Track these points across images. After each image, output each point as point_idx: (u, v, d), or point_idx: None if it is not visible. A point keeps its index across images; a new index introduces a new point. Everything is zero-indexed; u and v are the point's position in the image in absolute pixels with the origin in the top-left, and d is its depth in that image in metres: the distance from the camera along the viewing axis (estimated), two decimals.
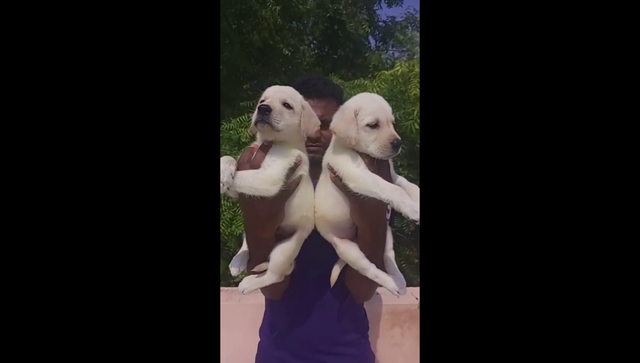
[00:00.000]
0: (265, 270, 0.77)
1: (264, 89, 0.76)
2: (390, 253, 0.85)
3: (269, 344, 0.99)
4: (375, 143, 0.71)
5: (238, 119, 2.44)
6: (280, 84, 0.78)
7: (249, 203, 0.71)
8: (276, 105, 0.71)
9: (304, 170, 0.74)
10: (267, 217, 0.73)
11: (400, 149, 0.72)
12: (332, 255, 0.89)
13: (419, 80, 2.14)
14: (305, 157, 0.75)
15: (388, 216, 0.92)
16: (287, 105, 0.71)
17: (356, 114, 0.73)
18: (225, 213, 2.18)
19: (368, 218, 0.76)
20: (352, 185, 0.70)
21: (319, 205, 0.77)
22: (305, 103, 0.75)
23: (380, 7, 5.64)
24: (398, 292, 0.78)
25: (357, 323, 1.00)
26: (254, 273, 0.79)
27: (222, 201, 2.18)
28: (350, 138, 0.71)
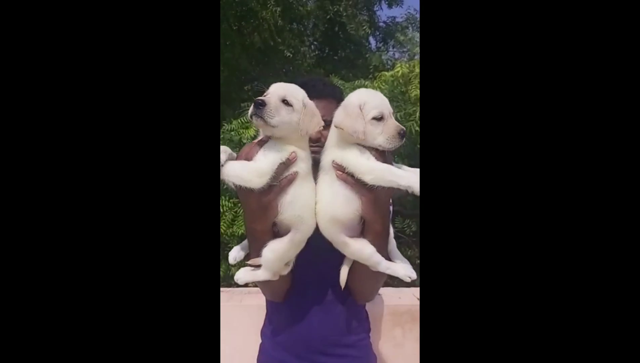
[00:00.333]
0: (260, 265, 0.78)
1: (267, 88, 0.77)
2: (392, 242, 0.86)
3: (271, 346, 0.99)
4: (383, 135, 0.73)
5: (239, 120, 2.45)
6: None
7: (241, 193, 0.73)
8: (272, 100, 0.71)
9: (300, 168, 0.73)
10: (257, 210, 0.74)
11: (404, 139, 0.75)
12: (333, 257, 0.88)
13: (419, 81, 2.14)
14: (303, 154, 0.74)
15: (390, 216, 0.93)
16: (286, 102, 0.72)
17: (361, 109, 0.74)
18: (226, 213, 2.18)
19: (380, 210, 0.77)
20: (368, 178, 0.71)
21: (327, 206, 0.75)
22: (309, 102, 0.75)
23: (381, 8, 5.65)
24: (410, 277, 0.79)
25: (359, 325, 1.00)
26: (250, 265, 0.80)
27: (223, 202, 2.18)
28: (358, 133, 0.72)
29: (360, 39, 5.34)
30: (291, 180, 0.72)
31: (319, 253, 0.88)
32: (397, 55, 6.14)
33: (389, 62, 5.41)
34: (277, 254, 0.75)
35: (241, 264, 0.86)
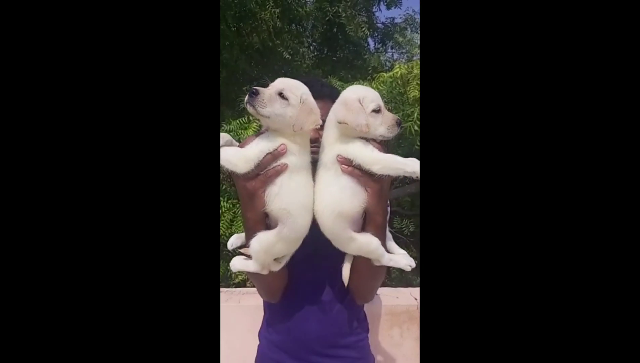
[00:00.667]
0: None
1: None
2: (389, 234, 0.87)
3: (268, 347, 0.98)
4: (383, 125, 0.77)
5: (238, 121, 2.45)
6: None
7: (234, 180, 0.76)
8: (268, 91, 0.72)
9: (290, 161, 0.73)
10: (246, 197, 0.75)
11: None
12: (330, 257, 0.88)
13: (418, 82, 2.15)
14: (295, 148, 0.73)
15: (388, 217, 0.93)
16: (282, 95, 0.72)
17: (361, 103, 0.76)
18: (225, 214, 2.18)
19: (382, 201, 0.78)
20: (376, 168, 0.74)
21: (334, 202, 0.75)
22: (310, 100, 0.75)
23: (380, 9, 5.66)
24: (410, 266, 0.82)
25: (358, 325, 0.99)
26: (242, 254, 0.81)
27: (222, 203, 2.18)
28: (362, 126, 0.74)
29: (359, 40, 5.35)
30: (279, 171, 0.72)
31: (316, 253, 0.88)
32: (395, 56, 6.15)
33: (387, 63, 5.42)
34: (262, 245, 0.75)
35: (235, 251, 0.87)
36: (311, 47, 5.68)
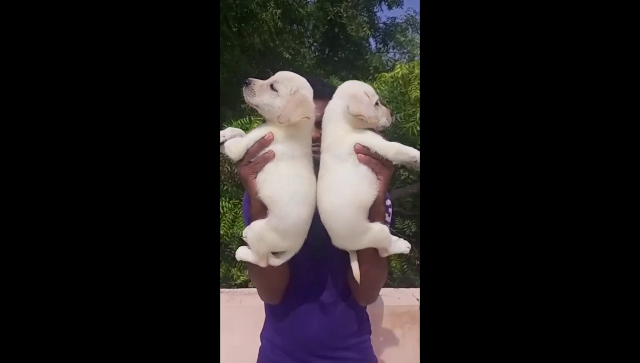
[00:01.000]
0: None
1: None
2: None
3: (270, 349, 0.98)
4: (383, 117, 0.81)
5: (239, 121, 2.45)
6: None
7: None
8: (259, 82, 0.77)
9: (277, 149, 0.74)
10: (244, 183, 0.78)
11: None
12: (332, 258, 0.88)
13: (419, 82, 2.15)
14: (282, 137, 0.74)
15: (389, 218, 0.92)
16: (272, 87, 0.75)
17: (368, 96, 0.80)
18: (226, 214, 2.18)
19: (386, 188, 0.80)
20: (392, 153, 0.77)
21: (355, 193, 0.75)
22: (300, 92, 0.75)
23: (381, 9, 5.67)
24: (408, 247, 0.84)
25: (360, 327, 0.98)
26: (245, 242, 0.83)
27: (223, 203, 2.19)
28: (372, 117, 0.77)
29: (360, 40, 5.36)
30: (266, 159, 0.74)
31: (317, 255, 0.88)
32: (397, 56, 6.16)
33: (388, 63, 5.43)
34: (254, 234, 0.76)
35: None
36: (312, 48, 5.69)
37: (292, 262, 0.84)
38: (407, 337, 1.45)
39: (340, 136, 0.78)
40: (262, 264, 0.78)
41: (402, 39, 5.90)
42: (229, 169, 2.24)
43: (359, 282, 0.84)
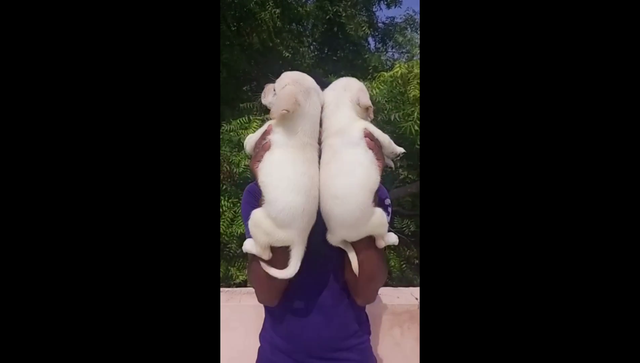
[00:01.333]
0: None
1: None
2: None
3: (270, 349, 0.98)
4: (369, 109, 0.84)
5: (238, 121, 2.45)
6: None
7: None
8: (269, 85, 0.83)
9: (272, 139, 0.77)
10: (252, 172, 0.81)
11: None
12: (331, 259, 0.88)
13: (418, 81, 2.15)
14: (279, 128, 0.78)
15: (388, 217, 0.93)
16: (274, 89, 0.82)
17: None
18: (226, 213, 2.18)
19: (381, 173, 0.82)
20: (386, 144, 0.81)
21: (368, 176, 0.76)
22: (287, 89, 0.78)
23: (380, 9, 5.67)
24: (397, 240, 0.86)
25: (359, 328, 0.98)
26: None
27: (223, 202, 2.19)
28: (373, 110, 0.83)
29: (359, 39, 5.35)
30: (264, 148, 0.77)
31: (317, 255, 0.88)
32: (396, 55, 6.16)
33: (388, 62, 5.43)
34: (253, 221, 0.77)
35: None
36: (311, 47, 5.69)
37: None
38: (406, 336, 1.45)
39: (350, 123, 0.80)
40: (265, 256, 0.78)
41: (401, 38, 5.90)
42: (228, 168, 2.24)
43: (357, 274, 0.83)
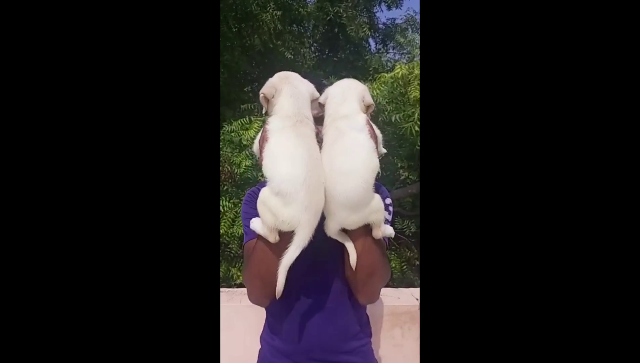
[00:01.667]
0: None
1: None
2: None
3: (270, 351, 0.97)
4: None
5: (239, 122, 2.45)
6: None
7: None
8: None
9: (269, 129, 0.81)
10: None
11: None
12: (332, 261, 0.88)
13: (419, 82, 2.15)
14: (274, 117, 0.82)
15: (389, 217, 0.92)
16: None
17: None
18: (227, 213, 2.18)
19: None
20: (380, 140, 0.86)
21: (372, 159, 0.80)
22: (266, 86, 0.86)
23: (381, 10, 5.68)
24: (390, 235, 0.87)
25: (360, 330, 0.97)
26: None
27: (224, 203, 2.19)
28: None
29: (360, 40, 5.36)
30: (264, 140, 0.80)
31: (317, 257, 0.88)
32: (396, 56, 6.16)
33: (388, 63, 5.43)
34: (260, 199, 0.78)
35: None
36: (312, 48, 5.70)
37: (292, 265, 0.84)
38: (407, 337, 1.45)
39: (355, 113, 0.85)
40: (271, 238, 0.78)
41: (402, 39, 5.90)
42: (229, 169, 2.24)
43: (354, 266, 0.82)
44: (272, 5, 4.22)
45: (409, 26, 6.04)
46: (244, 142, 2.34)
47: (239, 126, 2.43)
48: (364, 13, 5.37)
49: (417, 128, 2.03)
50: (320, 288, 0.92)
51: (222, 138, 2.40)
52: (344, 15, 4.87)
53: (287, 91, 0.83)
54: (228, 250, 2.22)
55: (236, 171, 2.25)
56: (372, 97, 0.90)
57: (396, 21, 5.99)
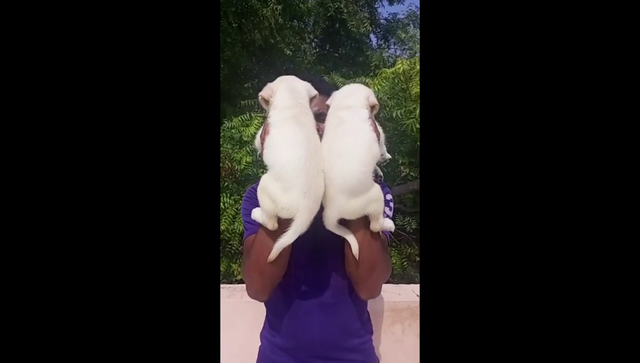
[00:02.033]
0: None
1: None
2: None
3: (270, 348, 0.97)
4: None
5: (240, 118, 2.45)
6: None
7: None
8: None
9: (269, 122, 0.82)
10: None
11: None
12: (333, 258, 0.88)
13: (420, 78, 2.13)
14: (274, 110, 0.83)
15: (391, 213, 0.92)
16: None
17: None
18: (227, 210, 2.18)
19: None
20: (382, 139, 0.87)
21: (371, 142, 0.80)
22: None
23: (382, 5, 5.65)
24: (389, 229, 0.87)
25: (361, 327, 0.98)
26: None
27: (224, 199, 2.19)
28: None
29: (361, 36, 5.34)
30: (266, 133, 0.80)
31: (317, 254, 0.88)
32: (398, 52, 6.14)
33: (390, 59, 5.41)
34: (261, 186, 0.78)
35: None
36: (313, 44, 5.68)
37: (293, 261, 0.84)
38: (407, 333, 1.46)
39: (360, 105, 0.84)
40: (270, 225, 0.78)
41: (404, 35, 5.87)
42: (230, 165, 2.24)
43: (357, 257, 0.82)
44: (272, 1, 4.20)
45: (410, 22, 6.00)
46: (245, 138, 2.34)
47: (239, 123, 2.42)
48: (365, 8, 5.35)
49: (417, 125, 2.02)
50: (321, 285, 0.92)
51: (222, 134, 2.39)
52: (345, 11, 4.85)
53: (284, 86, 0.84)
54: (229, 246, 2.22)
55: (236, 167, 2.25)
56: (374, 93, 0.90)
57: (398, 16, 5.97)
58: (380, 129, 0.85)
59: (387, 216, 0.88)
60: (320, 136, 0.81)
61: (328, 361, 0.92)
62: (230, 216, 2.18)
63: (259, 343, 1.03)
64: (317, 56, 5.58)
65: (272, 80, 0.87)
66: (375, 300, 1.39)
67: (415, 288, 1.60)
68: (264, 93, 0.85)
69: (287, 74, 0.88)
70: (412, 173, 2.36)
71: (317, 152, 0.77)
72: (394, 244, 2.36)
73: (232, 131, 2.41)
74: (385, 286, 1.56)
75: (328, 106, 0.86)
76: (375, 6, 5.59)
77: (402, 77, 2.24)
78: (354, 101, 0.85)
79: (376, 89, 2.25)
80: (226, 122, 2.48)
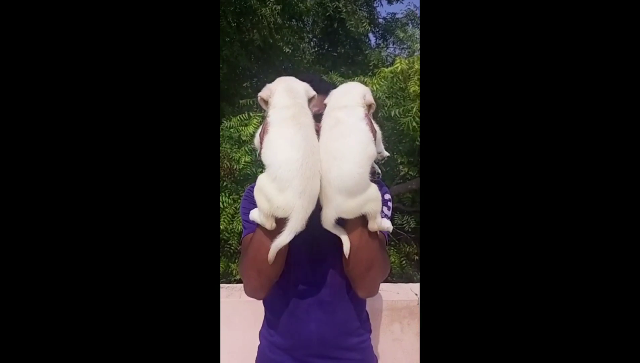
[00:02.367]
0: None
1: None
2: None
3: (269, 348, 0.97)
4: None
5: (239, 118, 2.44)
6: None
7: None
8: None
9: (269, 121, 0.82)
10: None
11: None
12: (331, 256, 0.88)
13: (419, 77, 2.13)
14: (273, 109, 0.84)
15: (389, 212, 0.92)
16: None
17: None
18: (226, 209, 2.18)
19: None
20: (380, 138, 0.87)
21: (368, 142, 0.80)
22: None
23: (381, 4, 5.65)
24: (387, 229, 0.87)
25: (360, 326, 0.98)
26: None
27: (223, 198, 2.19)
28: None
29: (359, 35, 5.34)
30: (265, 132, 0.80)
31: (317, 252, 0.88)
32: (397, 51, 6.15)
33: (388, 58, 5.41)
34: (257, 186, 0.78)
35: None
36: (312, 43, 5.68)
37: (291, 260, 0.84)
38: (406, 332, 1.46)
39: (356, 104, 0.85)
40: (267, 225, 0.78)
41: (402, 34, 5.88)
42: (229, 165, 2.24)
43: (347, 255, 0.82)
44: (271, 0, 4.20)
45: (409, 21, 6.01)
46: (243, 138, 2.34)
47: (238, 122, 2.42)
48: (363, 8, 5.35)
49: (413, 123, 2.02)
50: (319, 284, 0.92)
51: (221, 133, 2.39)
52: (344, 10, 4.85)
53: (283, 87, 0.84)
54: (228, 246, 2.21)
55: (235, 167, 2.25)
56: (372, 92, 0.89)
57: (396, 16, 5.98)
58: (377, 127, 0.84)
59: (386, 215, 0.87)
60: (318, 136, 0.82)
61: (326, 360, 0.92)
62: (229, 215, 2.18)
63: (258, 343, 1.03)
64: (316, 55, 5.58)
65: (270, 79, 0.86)
66: (374, 298, 1.40)
67: (414, 287, 1.60)
68: (262, 94, 0.85)
69: (286, 74, 0.88)
70: (410, 172, 2.36)
71: (315, 153, 0.77)
72: (392, 243, 2.36)
73: (231, 130, 2.40)
74: (383, 285, 1.57)
75: (325, 105, 0.86)
76: (374, 5, 5.60)
77: (400, 77, 2.24)
78: (350, 100, 0.85)
79: (375, 88, 2.25)
80: (225, 121, 2.48)
